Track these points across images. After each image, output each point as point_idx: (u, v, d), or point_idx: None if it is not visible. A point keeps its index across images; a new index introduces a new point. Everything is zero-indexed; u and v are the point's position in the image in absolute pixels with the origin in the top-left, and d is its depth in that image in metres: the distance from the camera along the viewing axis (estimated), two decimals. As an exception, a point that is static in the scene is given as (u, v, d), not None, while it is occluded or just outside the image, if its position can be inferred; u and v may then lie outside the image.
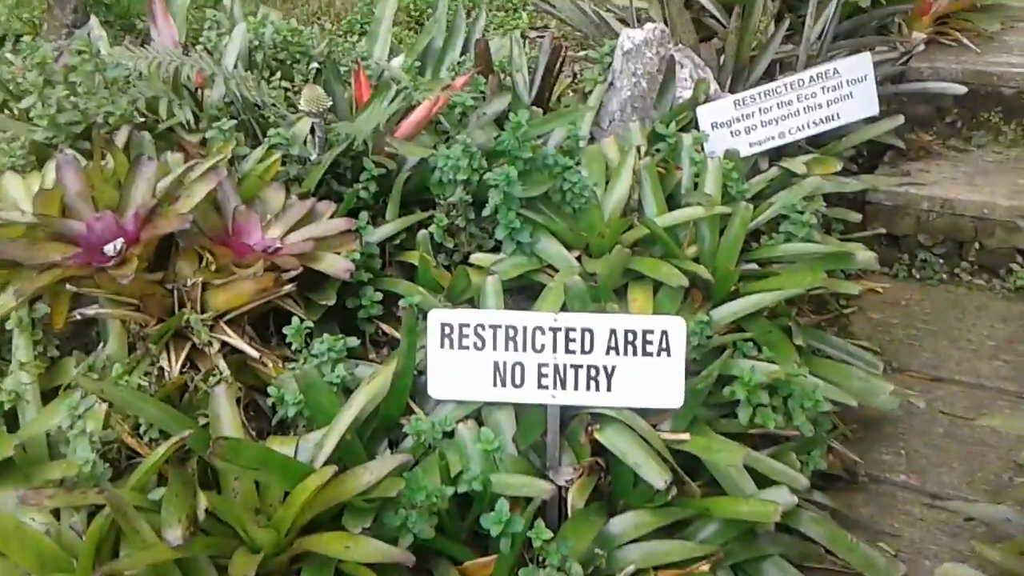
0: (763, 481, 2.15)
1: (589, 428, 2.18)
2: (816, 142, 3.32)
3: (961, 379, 2.77)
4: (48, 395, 2.22)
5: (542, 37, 4.31)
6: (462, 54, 3.50)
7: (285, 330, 2.33)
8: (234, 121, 2.72)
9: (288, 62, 3.21)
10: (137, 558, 1.77)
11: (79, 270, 2.24)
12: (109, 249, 2.29)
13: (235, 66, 2.97)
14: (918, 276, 3.29)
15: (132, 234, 2.33)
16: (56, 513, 1.94)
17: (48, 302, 2.27)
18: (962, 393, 2.71)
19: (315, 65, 3.24)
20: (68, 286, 2.23)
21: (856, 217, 3.17)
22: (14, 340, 2.24)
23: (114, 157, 2.52)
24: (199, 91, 2.94)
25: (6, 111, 2.95)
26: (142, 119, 2.79)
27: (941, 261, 3.30)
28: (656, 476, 2.04)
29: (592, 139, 3.17)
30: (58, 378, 2.26)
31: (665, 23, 3.64)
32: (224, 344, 2.29)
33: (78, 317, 2.26)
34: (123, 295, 2.27)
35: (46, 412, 2.14)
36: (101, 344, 2.29)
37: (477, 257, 2.63)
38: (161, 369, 2.22)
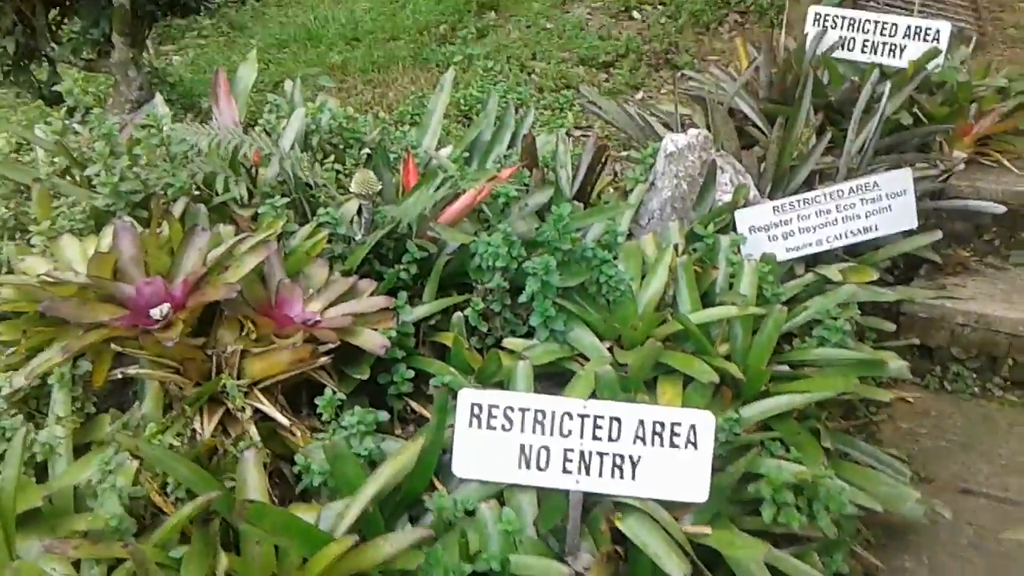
0: (784, 582, 2.12)
1: (611, 516, 2.18)
2: (853, 251, 3.35)
3: (989, 492, 2.72)
4: (79, 450, 2.27)
5: (587, 136, 4.46)
6: (509, 148, 3.62)
7: (317, 401, 2.38)
8: (286, 199, 2.82)
9: (341, 147, 3.34)
10: (154, 615, 1.78)
11: (125, 331, 2.32)
12: (156, 313, 2.37)
13: (291, 147, 3.10)
14: (950, 388, 3.26)
15: (179, 300, 2.41)
16: (77, 565, 1.96)
17: (91, 359, 2.35)
18: (989, 507, 2.66)
19: (367, 151, 3.37)
20: (112, 345, 2.31)
21: (890, 327, 3.17)
22: (53, 394, 2.31)
23: (170, 226, 2.63)
24: (254, 169, 3.07)
25: (68, 177, 3.09)
26: (198, 192, 2.91)
27: (974, 375, 3.28)
28: (676, 568, 2.02)
29: (631, 236, 3.24)
30: (91, 434, 2.31)
31: (708, 129, 3.74)
32: (256, 411, 2.33)
33: (119, 376, 2.33)
34: (164, 357, 2.34)
35: (77, 465, 2.18)
36: (137, 403, 2.35)
37: (510, 341, 2.67)
38: (194, 431, 2.27)
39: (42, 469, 2.22)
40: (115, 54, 4.79)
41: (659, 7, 6.77)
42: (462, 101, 5.26)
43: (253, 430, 2.27)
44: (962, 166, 3.92)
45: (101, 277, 2.42)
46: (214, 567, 1.86)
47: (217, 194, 2.89)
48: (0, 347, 2.44)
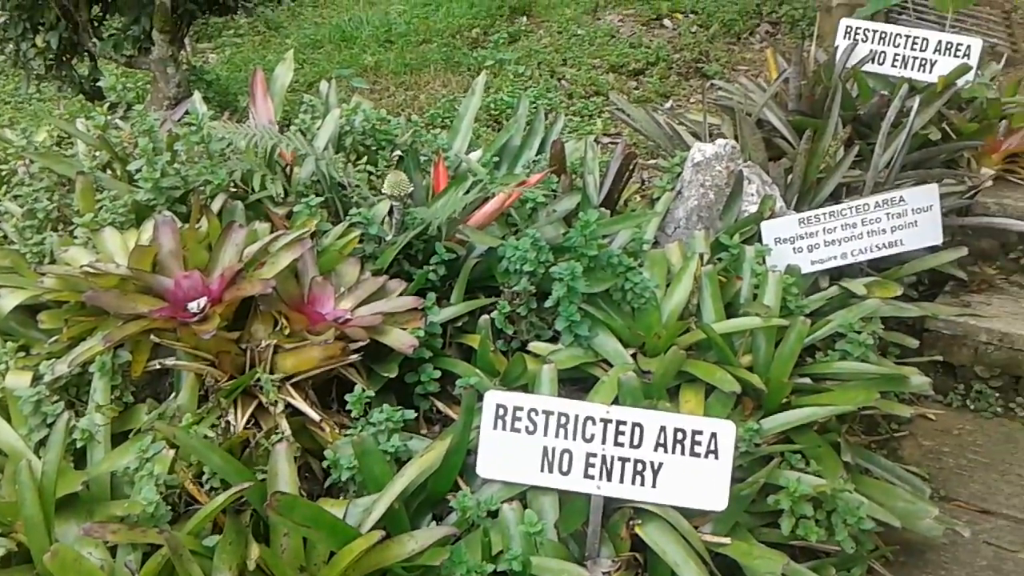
0: (801, 594, 2.15)
1: (631, 522, 2.22)
2: (878, 266, 3.36)
3: (1010, 513, 2.73)
4: (117, 438, 2.34)
5: (615, 143, 4.49)
6: (538, 153, 3.66)
7: (346, 397, 2.43)
8: (320, 198, 2.89)
9: (374, 148, 3.40)
10: (187, 600, 1.84)
11: (163, 323, 2.39)
12: (193, 306, 2.44)
13: (325, 148, 3.16)
14: (972, 407, 3.27)
15: (216, 294, 2.48)
16: (112, 550, 2.03)
17: (130, 350, 2.42)
18: (1009, 527, 2.67)
19: (398, 153, 3.43)
20: (151, 336, 2.38)
21: (913, 343, 3.18)
22: (94, 383, 2.38)
23: (208, 221, 2.70)
24: (289, 168, 3.14)
25: (109, 171, 3.17)
26: (235, 189, 2.98)
27: (997, 394, 3.28)
28: (694, 576, 2.06)
29: (656, 244, 3.27)
30: (129, 422, 2.38)
31: (736, 140, 3.76)
32: (288, 405, 2.39)
33: (157, 366, 2.40)
34: (201, 350, 2.40)
35: (115, 453, 2.25)
36: (173, 394, 2.42)
37: (535, 345, 2.72)
38: (228, 423, 2.33)
39: (80, 455, 2.29)
40: (155, 51, 4.88)
41: (691, 16, 6.80)
42: (492, 105, 5.31)
43: (284, 424, 2.33)
44: (990, 183, 3.92)
45: (141, 269, 2.49)
46: (245, 557, 1.92)
47: (254, 191, 2.95)
48: (43, 335, 2.52)
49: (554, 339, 2.77)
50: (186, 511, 2.19)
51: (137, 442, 2.21)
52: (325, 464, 2.30)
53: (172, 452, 2.19)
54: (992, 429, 3.15)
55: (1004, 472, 2.91)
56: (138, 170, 2.85)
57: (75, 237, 2.82)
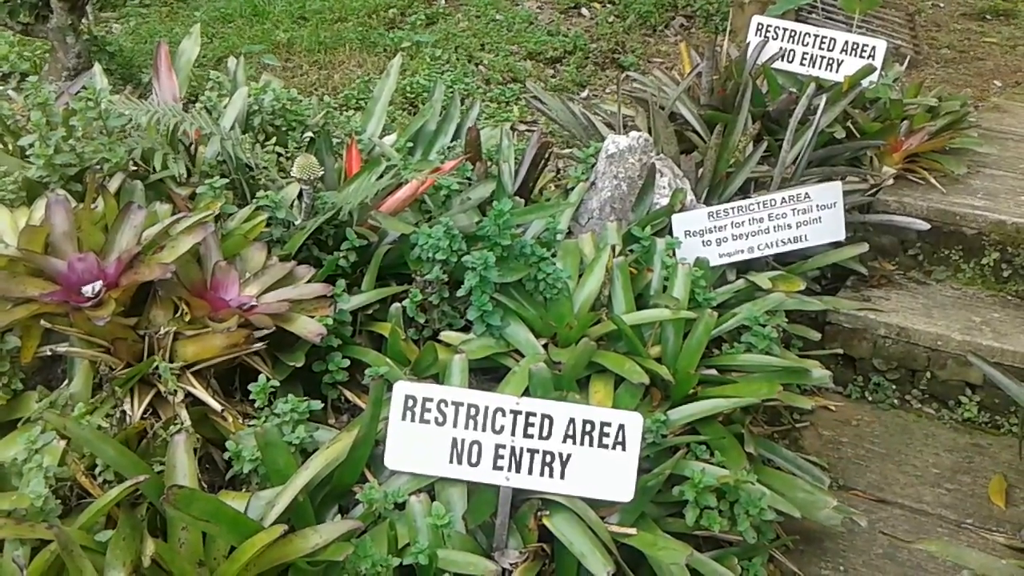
0: (703, 583, 2.18)
1: (539, 514, 2.22)
2: (783, 260, 3.44)
3: (904, 503, 2.83)
4: (4, 427, 2.23)
5: (531, 131, 4.48)
6: (453, 139, 3.63)
7: (250, 387, 2.37)
8: (225, 180, 2.79)
9: (284, 129, 3.31)
10: (76, 598, 1.77)
11: (55, 307, 2.28)
12: (88, 290, 2.33)
13: (232, 127, 3.06)
14: (870, 398, 3.38)
15: (112, 278, 2.37)
16: (-1, 545, 1.94)
17: (19, 335, 2.30)
18: (904, 516, 2.77)
19: (309, 134, 3.35)
20: (42, 322, 2.26)
21: (815, 335, 3.27)
22: (-21, 369, 2.26)
23: (105, 202, 2.58)
24: (194, 147, 3.03)
25: (0, 145, 3.01)
26: (135, 168, 2.86)
27: (894, 386, 3.40)
28: (600, 567, 2.06)
29: (570, 234, 3.28)
30: (18, 411, 2.27)
31: (649, 132, 3.79)
32: (188, 394, 2.31)
33: (48, 353, 2.29)
34: (95, 336, 2.30)
35: (2, 443, 2.15)
36: (66, 382, 2.32)
37: (447, 335, 2.69)
38: (123, 413, 2.24)
39: (-36, 446, 2.17)
40: (53, 19, 4.64)
41: (608, 5, 6.83)
42: (408, 88, 5.24)
43: (184, 414, 2.26)
44: (891, 181, 4.05)
45: (32, 251, 2.37)
46: (140, 552, 1.85)
47: (154, 171, 2.85)
48: (-78, 319, 2.38)
49: (466, 328, 2.75)
50: (78, 504, 2.10)
51: (26, 432, 2.10)
52: (227, 456, 2.23)
53: (63, 443, 2.09)
54: (889, 420, 3.26)
55: (900, 463, 3.02)
56: (30, 145, 2.72)
57: (-40, 215, 2.66)
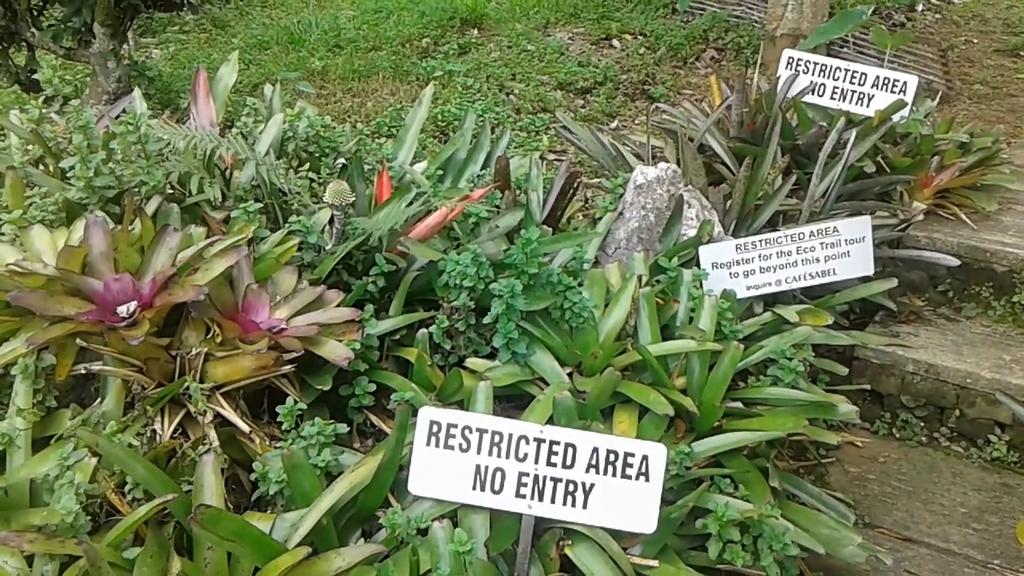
0: (725, 618, 2.17)
1: (560, 543, 2.22)
2: (810, 294, 3.44)
3: (931, 542, 2.80)
4: (38, 444, 2.27)
5: (560, 161, 4.52)
6: (483, 168, 3.67)
7: (277, 409, 2.40)
8: (259, 204, 2.84)
9: (317, 155, 3.37)
10: (103, 614, 1.79)
11: (91, 326, 2.32)
12: (123, 310, 2.38)
13: (267, 153, 3.12)
14: (898, 435, 3.35)
15: (147, 298, 2.42)
16: (29, 560, 1.97)
17: (54, 353, 2.35)
18: (930, 556, 2.74)
19: (342, 161, 3.40)
20: (78, 340, 2.31)
21: (842, 370, 3.25)
22: (15, 385, 2.30)
23: (142, 224, 2.64)
24: (229, 172, 3.09)
25: (41, 167, 3.08)
26: (171, 191, 2.92)
27: (922, 424, 3.37)
28: (621, 598, 2.06)
29: (596, 263, 3.30)
30: (51, 428, 2.31)
31: (678, 164, 3.81)
32: (217, 415, 2.35)
33: (82, 371, 2.34)
34: (129, 355, 2.35)
35: (35, 459, 2.18)
36: (99, 400, 2.36)
37: (472, 361, 2.71)
38: (154, 432, 2.28)
39: (0, 461, 2.21)
40: (95, 44, 4.77)
41: (639, 38, 6.88)
42: (440, 117, 5.30)
43: (213, 434, 2.29)
44: (921, 217, 4.04)
45: (70, 270, 2.43)
46: (166, 570, 1.88)
47: (190, 194, 2.90)
48: (-37, 335, 2.44)
49: (492, 355, 2.77)
50: (107, 521, 2.13)
51: (58, 449, 2.14)
52: (253, 477, 2.26)
53: (94, 460, 2.12)
54: (916, 458, 3.23)
55: (927, 501, 2.99)
56: (71, 167, 2.78)
57: (2, 234, 2.73)
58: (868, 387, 3.41)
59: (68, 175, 2.80)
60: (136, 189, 2.83)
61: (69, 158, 2.82)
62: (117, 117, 3.24)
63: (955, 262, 3.70)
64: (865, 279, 3.45)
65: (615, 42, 6.84)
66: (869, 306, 3.69)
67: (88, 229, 2.52)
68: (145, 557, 1.90)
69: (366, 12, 7.24)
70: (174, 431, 2.30)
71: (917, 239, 3.90)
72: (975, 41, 7.28)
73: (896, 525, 2.87)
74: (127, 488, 2.13)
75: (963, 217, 4.05)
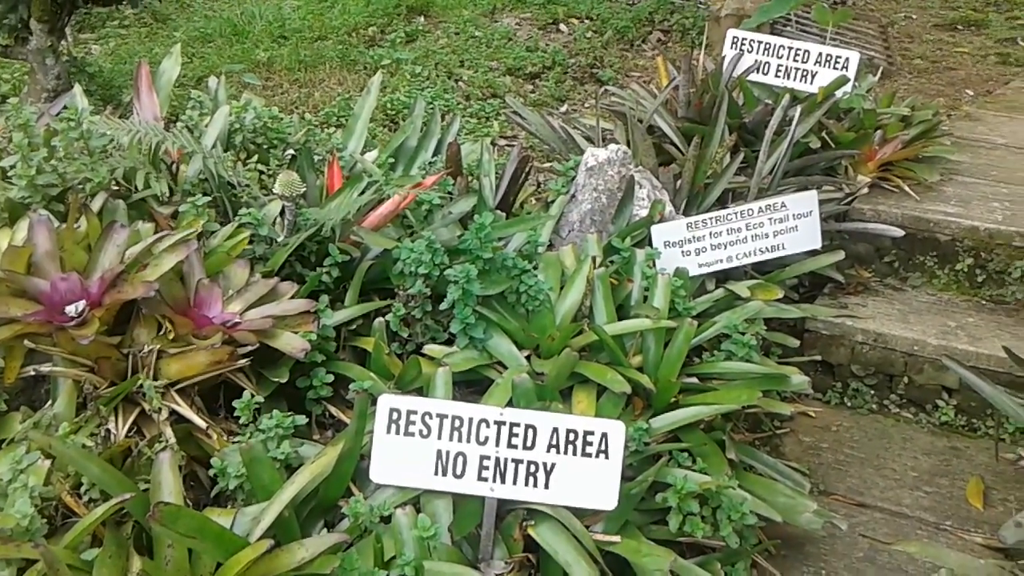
0: (688, 589, 2.21)
1: (524, 524, 2.24)
2: (761, 269, 3.49)
3: (884, 506, 2.87)
4: (-11, 448, 2.23)
5: (511, 146, 4.52)
6: (434, 155, 3.66)
7: (234, 404, 2.38)
8: (207, 198, 2.81)
9: (265, 147, 3.33)
10: (63, 617, 1.77)
11: (38, 327, 2.28)
12: (71, 310, 2.34)
13: (214, 146, 3.08)
14: (849, 404, 3.42)
15: (95, 297, 2.38)
16: (-15, 566, 1.94)
17: (2, 356, 2.31)
18: (884, 520, 2.81)
19: (291, 152, 3.37)
20: (25, 342, 2.27)
21: (794, 343, 3.31)
22: (-37, 390, 2.26)
23: (88, 221, 2.59)
24: (176, 166, 3.04)
25: (-21, 166, 3.02)
26: (117, 187, 2.88)
27: (872, 392, 3.44)
28: None
29: (551, 246, 3.31)
30: (2, 432, 2.28)
31: (628, 145, 3.84)
32: (172, 412, 2.32)
33: (31, 373, 2.30)
34: (79, 355, 2.31)
35: (-13, 464, 2.14)
36: (50, 402, 2.32)
37: (430, 348, 2.71)
38: (108, 431, 2.25)
39: (-52, 467, 2.17)
40: (33, 41, 4.65)
41: (586, 21, 6.90)
42: (389, 105, 5.27)
43: (169, 431, 2.26)
44: (865, 190, 4.10)
45: (14, 271, 2.38)
46: (126, 570, 1.86)
47: (137, 190, 2.86)
48: (-95, 341, 2.38)
49: (449, 341, 2.77)
50: (63, 524, 2.10)
51: (10, 452, 2.10)
52: (212, 472, 2.24)
53: (48, 462, 2.09)
54: (868, 425, 3.30)
55: (879, 467, 3.05)
56: (12, 166, 2.73)
57: (-58, 236, 2.67)
58: (819, 358, 3.47)
59: (9, 174, 2.74)
60: (80, 186, 2.77)
61: (9, 157, 2.76)
62: (58, 114, 3.17)
63: (900, 233, 3.78)
64: (813, 253, 3.50)
65: (562, 26, 6.85)
66: (818, 279, 3.75)
67: (32, 228, 2.48)
68: (104, 558, 1.88)
69: (311, 1, 7.16)
70: (129, 430, 2.27)
71: (862, 212, 3.97)
72: (914, 17, 7.42)
73: (850, 491, 2.93)
74: (83, 489, 2.11)
75: (906, 189, 4.12)
